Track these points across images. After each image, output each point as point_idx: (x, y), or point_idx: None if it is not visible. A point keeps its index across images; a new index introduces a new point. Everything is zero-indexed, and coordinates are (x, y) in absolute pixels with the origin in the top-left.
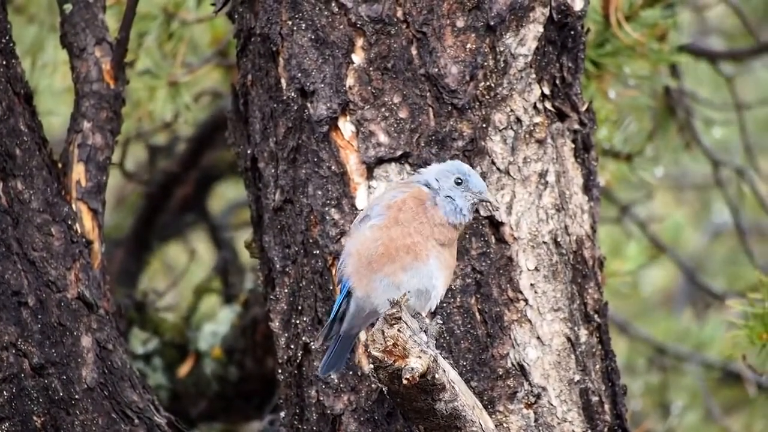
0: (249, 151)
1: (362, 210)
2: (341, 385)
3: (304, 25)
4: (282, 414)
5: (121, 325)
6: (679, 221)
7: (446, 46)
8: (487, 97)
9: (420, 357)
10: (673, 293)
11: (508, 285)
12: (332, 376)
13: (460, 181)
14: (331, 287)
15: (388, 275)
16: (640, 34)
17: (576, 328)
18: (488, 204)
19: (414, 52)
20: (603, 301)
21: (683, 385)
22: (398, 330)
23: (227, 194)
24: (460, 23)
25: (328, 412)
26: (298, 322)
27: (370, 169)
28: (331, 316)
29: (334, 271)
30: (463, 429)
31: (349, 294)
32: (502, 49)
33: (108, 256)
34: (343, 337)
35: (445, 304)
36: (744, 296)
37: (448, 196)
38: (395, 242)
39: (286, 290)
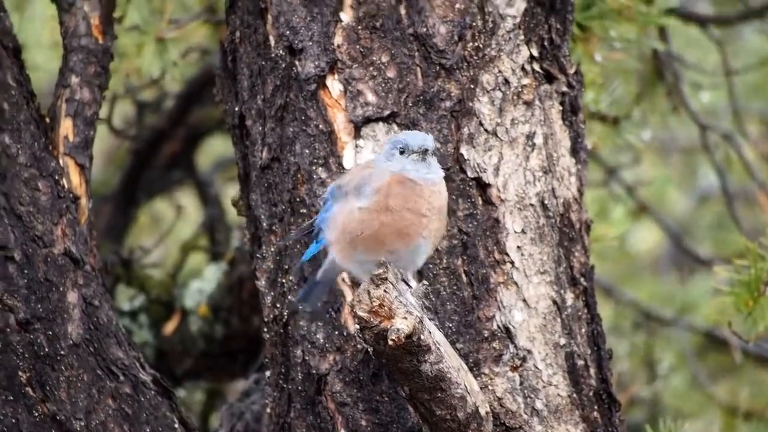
0: (237, 108)
1: (345, 179)
2: (327, 345)
3: None
4: (267, 373)
5: (107, 281)
6: (664, 179)
7: (435, 5)
8: (475, 57)
9: (406, 318)
10: (659, 258)
11: (495, 247)
12: (306, 311)
13: (402, 149)
14: None
15: (370, 255)
16: None
17: (562, 292)
18: (436, 149)
19: (402, 11)
20: (589, 265)
21: (669, 350)
22: (384, 291)
23: (215, 151)
24: None
25: (314, 371)
26: (284, 281)
27: (358, 128)
28: (305, 257)
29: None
30: (448, 390)
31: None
32: (490, 9)
33: (95, 212)
34: (321, 282)
35: (431, 266)
36: (730, 262)
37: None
38: (385, 227)
39: (272, 249)
